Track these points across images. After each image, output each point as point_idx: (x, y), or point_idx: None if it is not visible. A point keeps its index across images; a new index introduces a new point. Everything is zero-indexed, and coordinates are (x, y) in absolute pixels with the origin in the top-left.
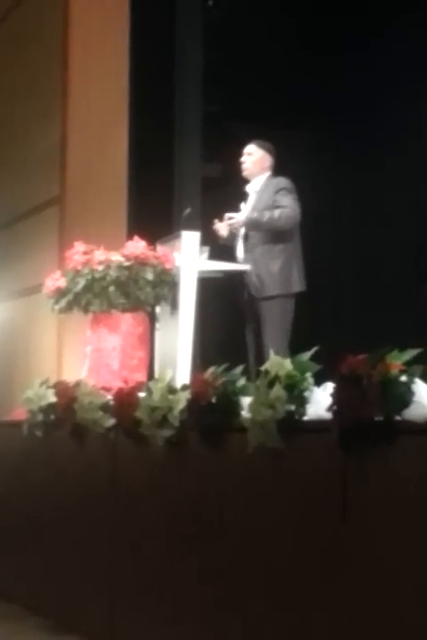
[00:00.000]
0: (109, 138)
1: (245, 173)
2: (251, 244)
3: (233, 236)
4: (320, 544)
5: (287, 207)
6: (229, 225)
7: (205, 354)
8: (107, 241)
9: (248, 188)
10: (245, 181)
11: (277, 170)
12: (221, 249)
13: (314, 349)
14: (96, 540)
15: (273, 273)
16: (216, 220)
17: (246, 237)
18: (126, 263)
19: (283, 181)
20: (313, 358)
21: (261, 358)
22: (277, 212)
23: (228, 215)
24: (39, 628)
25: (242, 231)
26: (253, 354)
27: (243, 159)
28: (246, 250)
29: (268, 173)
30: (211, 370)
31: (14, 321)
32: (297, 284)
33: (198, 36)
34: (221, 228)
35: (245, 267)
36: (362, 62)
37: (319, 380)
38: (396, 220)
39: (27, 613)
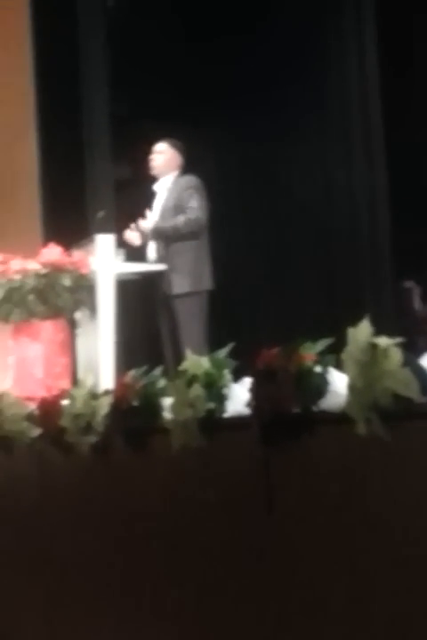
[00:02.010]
0: (18, 146)
1: (155, 171)
2: (161, 244)
3: (145, 240)
4: (247, 537)
5: (192, 210)
6: (139, 233)
7: (126, 355)
8: (23, 249)
9: (156, 187)
10: (156, 180)
11: (186, 167)
12: (135, 251)
13: (230, 346)
14: (26, 549)
15: (183, 271)
16: (128, 230)
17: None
18: (43, 271)
19: (191, 180)
20: (230, 354)
21: (178, 358)
22: (181, 219)
23: (138, 223)
24: None
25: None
26: (170, 352)
27: (153, 157)
28: (158, 250)
29: (176, 172)
30: (131, 373)
31: None
32: (207, 282)
33: (101, 37)
34: (133, 237)
35: (160, 267)
36: (261, 44)
37: (238, 376)
38: (307, 207)
39: None
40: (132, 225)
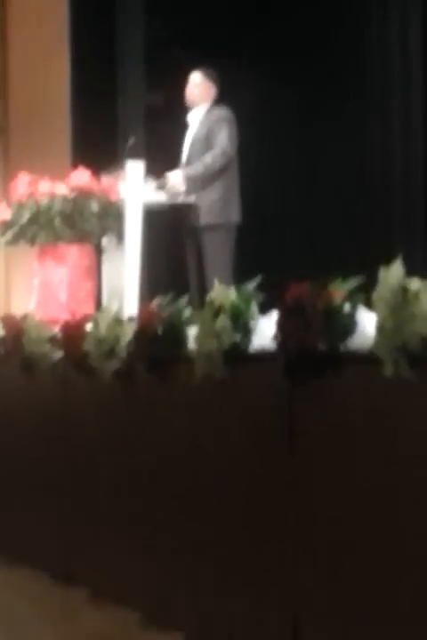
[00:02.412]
0: (51, 67)
1: (188, 102)
2: (191, 168)
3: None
4: (268, 474)
5: (221, 144)
6: (170, 189)
7: (151, 284)
8: (51, 171)
9: (189, 117)
10: (189, 110)
11: (220, 97)
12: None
13: (258, 278)
14: (47, 472)
15: (212, 203)
16: (156, 183)
17: (187, 165)
18: (71, 195)
19: (222, 112)
20: (257, 287)
21: (204, 289)
22: (208, 159)
23: (168, 178)
24: None
25: (184, 159)
26: (195, 285)
27: (188, 87)
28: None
29: (209, 102)
30: (157, 300)
31: None
32: (236, 214)
33: None
34: (164, 192)
35: (189, 199)
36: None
37: (264, 310)
38: (340, 148)
39: None
40: (162, 179)
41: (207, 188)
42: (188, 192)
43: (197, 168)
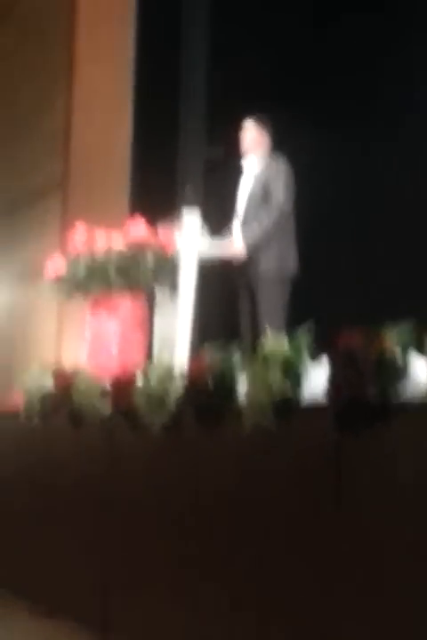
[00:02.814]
0: (113, 121)
1: (243, 150)
2: (247, 226)
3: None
4: (315, 524)
5: (277, 201)
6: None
7: (203, 337)
8: (109, 220)
9: (244, 164)
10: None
11: (278, 148)
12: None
13: (309, 324)
14: (94, 525)
15: (269, 257)
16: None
17: (244, 220)
18: (127, 248)
19: (278, 166)
20: (309, 334)
21: (256, 342)
22: (265, 219)
23: (232, 248)
24: (31, 612)
25: (241, 213)
26: (248, 334)
27: (242, 135)
28: (243, 232)
29: (264, 150)
30: (207, 349)
31: (15, 306)
32: (292, 266)
33: (204, 18)
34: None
35: (245, 254)
36: (362, 38)
37: (316, 357)
38: (393, 194)
39: (20, 598)
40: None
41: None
42: (250, 253)
43: (256, 232)
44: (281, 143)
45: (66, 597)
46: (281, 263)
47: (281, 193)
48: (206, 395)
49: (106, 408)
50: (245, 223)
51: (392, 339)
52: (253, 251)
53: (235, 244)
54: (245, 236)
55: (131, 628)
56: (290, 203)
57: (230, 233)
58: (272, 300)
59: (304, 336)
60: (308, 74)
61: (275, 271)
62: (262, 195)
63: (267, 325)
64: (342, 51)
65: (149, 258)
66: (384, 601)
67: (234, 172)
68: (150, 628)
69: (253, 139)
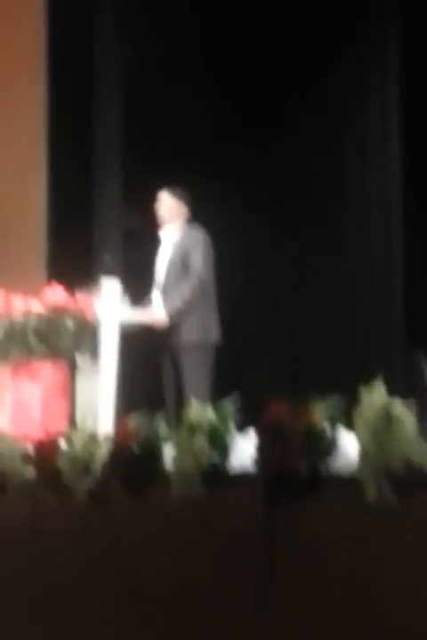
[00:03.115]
0: (27, 182)
1: (160, 221)
2: (167, 294)
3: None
4: (246, 598)
5: (195, 272)
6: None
7: (126, 403)
8: (26, 287)
9: (162, 235)
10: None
11: (195, 217)
12: (140, 295)
13: (234, 395)
14: (18, 593)
15: (190, 324)
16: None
17: (164, 288)
18: (46, 313)
19: (196, 236)
20: (235, 405)
21: (181, 408)
22: (185, 291)
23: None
24: None
25: (160, 280)
26: (173, 404)
27: (158, 206)
28: (164, 300)
29: (181, 221)
30: (132, 417)
31: None
32: (215, 334)
33: (117, 82)
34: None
35: (165, 321)
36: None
37: (242, 429)
38: (318, 264)
39: None
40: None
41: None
42: (173, 321)
43: (175, 301)
44: (199, 212)
45: None
46: (203, 331)
47: (199, 261)
48: (132, 460)
49: (29, 473)
50: (164, 292)
51: (320, 412)
52: (174, 319)
53: (156, 313)
54: (165, 305)
55: None
56: (209, 271)
57: (150, 301)
58: (196, 369)
59: (229, 406)
60: (227, 143)
61: (197, 340)
62: (181, 263)
63: (191, 393)
64: (262, 119)
65: (69, 322)
66: None
67: (153, 240)
68: None
69: (170, 209)
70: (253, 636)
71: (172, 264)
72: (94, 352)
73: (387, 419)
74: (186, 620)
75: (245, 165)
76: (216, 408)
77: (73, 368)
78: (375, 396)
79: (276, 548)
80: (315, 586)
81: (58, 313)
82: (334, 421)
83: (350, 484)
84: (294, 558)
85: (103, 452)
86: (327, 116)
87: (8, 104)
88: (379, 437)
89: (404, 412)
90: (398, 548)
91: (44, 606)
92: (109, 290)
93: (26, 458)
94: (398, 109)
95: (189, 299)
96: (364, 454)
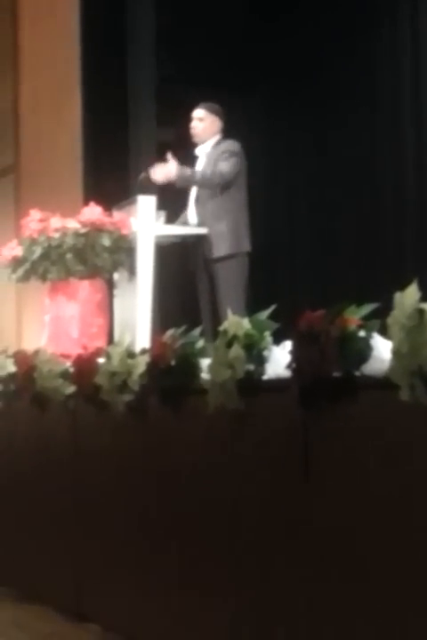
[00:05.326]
0: (62, 104)
1: (195, 138)
2: (201, 207)
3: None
4: (283, 501)
5: (218, 169)
6: (164, 174)
7: (163, 318)
8: (63, 207)
9: (197, 152)
10: (196, 145)
11: (230, 132)
12: (176, 214)
13: (272, 308)
14: (59, 508)
15: (222, 234)
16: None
17: (197, 200)
18: (83, 230)
19: (229, 144)
20: (271, 317)
21: (217, 321)
22: (207, 173)
23: (168, 157)
24: (2, 597)
25: (193, 194)
26: (208, 316)
27: (192, 124)
28: (198, 213)
29: (217, 137)
30: (169, 332)
31: None
32: (246, 244)
33: (150, 7)
34: (157, 172)
35: (201, 230)
36: (311, 22)
37: (278, 339)
38: (352, 179)
39: None
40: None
41: (216, 219)
42: (180, 182)
43: (193, 173)
44: (235, 127)
45: (37, 582)
46: (236, 242)
47: (226, 165)
48: (169, 374)
49: (69, 389)
50: (197, 204)
51: (354, 317)
52: (183, 183)
53: (170, 167)
54: (181, 171)
55: (104, 614)
56: (233, 175)
57: (186, 217)
58: (230, 279)
59: (266, 317)
60: (255, 58)
61: (229, 250)
62: (212, 173)
63: (227, 304)
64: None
65: (105, 239)
66: (355, 573)
67: (188, 154)
68: (123, 614)
69: (204, 125)
70: (289, 535)
71: (204, 174)
72: (131, 269)
73: (420, 319)
74: (224, 523)
75: (278, 83)
76: (252, 319)
77: (110, 285)
78: (408, 297)
79: (312, 451)
80: (350, 484)
81: (94, 231)
82: (367, 326)
83: (383, 385)
84: (329, 458)
85: (141, 366)
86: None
87: (43, 29)
88: (411, 338)
89: None
90: None
91: (86, 520)
92: (145, 207)
93: (65, 375)
94: None
95: (204, 181)
96: (397, 355)
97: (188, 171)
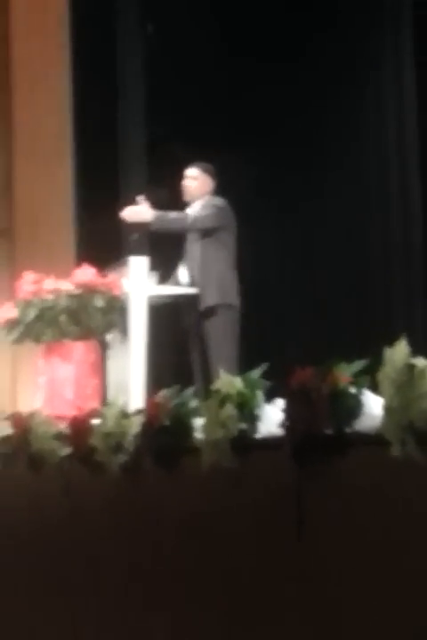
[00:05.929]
0: (55, 166)
1: (187, 197)
2: (190, 262)
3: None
4: (278, 560)
5: (194, 215)
6: (136, 214)
7: (156, 377)
8: (56, 270)
9: (188, 211)
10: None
11: (219, 191)
12: (167, 274)
13: (263, 366)
14: (54, 570)
15: (208, 283)
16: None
17: (187, 258)
18: (76, 291)
19: (215, 199)
20: (262, 375)
21: (209, 380)
22: (182, 215)
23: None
24: None
25: (184, 253)
26: (200, 375)
27: (186, 182)
28: (189, 272)
29: (208, 196)
30: (162, 393)
31: None
32: (234, 296)
33: (139, 62)
34: (127, 212)
35: (192, 290)
36: (297, 77)
37: (270, 397)
38: (340, 231)
39: None
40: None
41: (204, 272)
42: (154, 224)
43: (167, 213)
44: (224, 187)
45: None
46: (222, 293)
47: (203, 211)
48: (164, 434)
49: (64, 451)
50: (187, 262)
51: (345, 374)
52: (158, 221)
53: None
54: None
55: None
56: (211, 223)
57: (177, 277)
58: (218, 332)
59: (257, 375)
60: (244, 117)
61: (216, 301)
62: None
63: (217, 359)
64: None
65: (99, 301)
66: (349, 632)
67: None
68: None
69: (197, 184)
70: (285, 597)
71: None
72: (124, 330)
73: (410, 374)
74: (218, 584)
75: (264, 138)
76: (244, 378)
77: (103, 346)
78: (398, 353)
79: (305, 507)
80: (344, 541)
81: (87, 292)
82: (358, 383)
83: (375, 441)
84: (323, 515)
85: (135, 427)
86: (343, 81)
87: (36, 91)
88: (402, 393)
89: None
90: (421, 501)
91: (80, 580)
92: (137, 267)
93: (60, 436)
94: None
95: (175, 221)
96: (388, 411)
97: (160, 211)
